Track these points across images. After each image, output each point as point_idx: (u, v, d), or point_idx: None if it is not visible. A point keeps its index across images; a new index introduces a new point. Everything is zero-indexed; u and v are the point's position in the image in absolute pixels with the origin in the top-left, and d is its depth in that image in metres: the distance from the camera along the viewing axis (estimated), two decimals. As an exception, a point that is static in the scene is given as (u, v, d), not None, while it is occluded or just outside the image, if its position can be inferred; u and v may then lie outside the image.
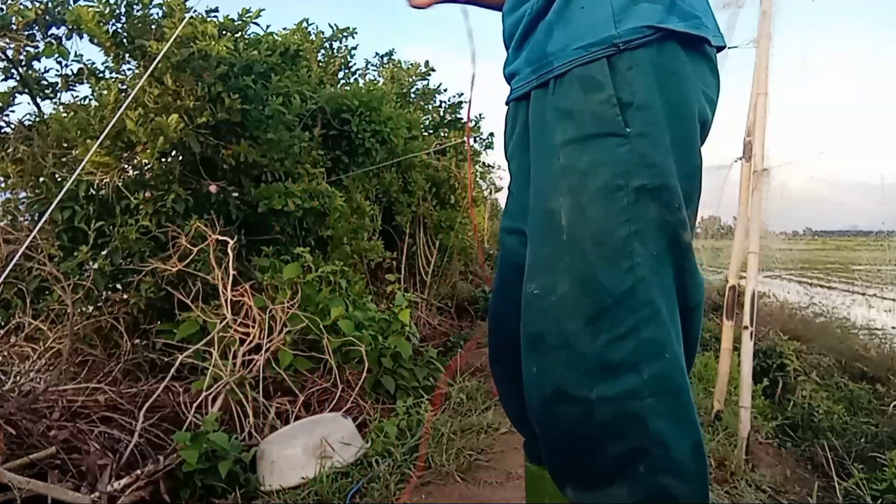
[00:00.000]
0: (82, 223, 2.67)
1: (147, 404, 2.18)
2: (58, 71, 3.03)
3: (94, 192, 2.75)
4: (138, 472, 1.87)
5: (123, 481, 1.83)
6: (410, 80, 6.01)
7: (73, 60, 3.00)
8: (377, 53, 6.25)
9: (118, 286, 2.80)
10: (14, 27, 2.82)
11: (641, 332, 0.80)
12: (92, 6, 2.76)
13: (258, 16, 3.24)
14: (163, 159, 2.96)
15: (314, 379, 2.68)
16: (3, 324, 2.70)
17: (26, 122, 2.98)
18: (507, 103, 1.10)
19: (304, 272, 2.88)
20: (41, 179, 2.81)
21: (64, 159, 2.80)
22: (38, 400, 2.10)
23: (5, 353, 2.57)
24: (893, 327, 5.83)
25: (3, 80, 2.93)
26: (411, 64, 6.08)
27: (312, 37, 5.12)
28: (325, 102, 4.06)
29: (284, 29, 4.82)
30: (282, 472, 2.04)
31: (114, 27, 2.85)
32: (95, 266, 2.65)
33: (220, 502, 1.96)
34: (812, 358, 4.27)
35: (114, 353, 2.71)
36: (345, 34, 5.25)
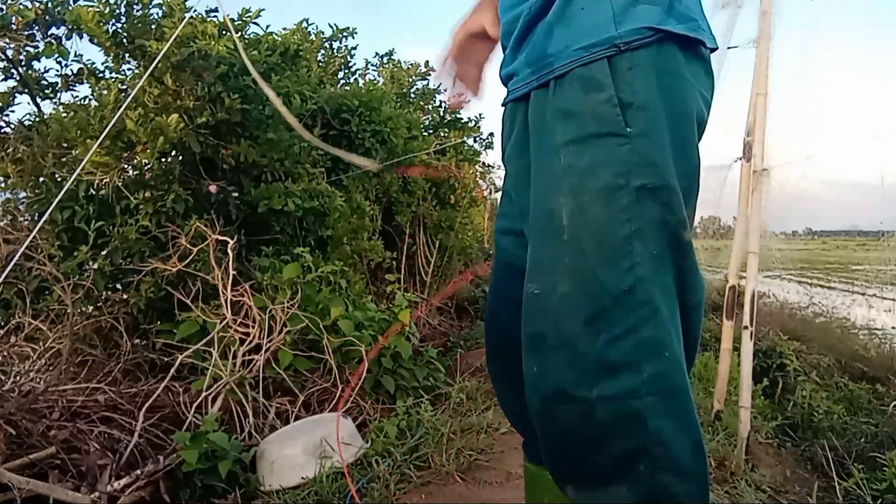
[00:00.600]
0: (82, 223, 2.67)
1: (147, 404, 2.18)
2: (58, 71, 3.03)
3: (94, 192, 2.75)
4: (138, 472, 1.87)
5: (123, 481, 1.83)
6: (410, 80, 6.01)
7: (73, 60, 3.00)
8: (377, 53, 6.25)
9: (118, 286, 2.80)
10: (14, 27, 2.82)
11: (641, 332, 0.80)
12: (92, 6, 2.76)
13: (258, 16, 3.24)
14: (163, 159, 2.96)
15: (314, 379, 2.68)
16: (3, 324, 2.70)
17: (26, 122, 2.98)
18: (504, 105, 1.10)
19: (304, 272, 2.88)
20: (41, 179, 2.81)
21: (64, 159, 2.79)
22: (38, 400, 2.10)
23: (5, 353, 2.56)
24: (893, 327, 5.83)
25: (3, 80, 2.93)
26: (411, 64, 6.08)
27: (312, 37, 5.12)
28: (325, 102, 4.06)
29: (284, 29, 4.82)
30: (282, 472, 2.04)
31: (114, 27, 2.85)
32: (95, 266, 2.65)
33: (220, 502, 1.95)
34: (812, 358, 4.27)
35: (114, 353, 2.71)
36: (345, 34, 5.25)
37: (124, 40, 2.87)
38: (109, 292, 2.77)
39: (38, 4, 2.85)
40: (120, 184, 2.70)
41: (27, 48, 2.90)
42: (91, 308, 2.72)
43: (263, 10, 3.25)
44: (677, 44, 0.85)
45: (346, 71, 5.51)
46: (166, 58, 2.63)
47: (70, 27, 2.92)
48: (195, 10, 2.96)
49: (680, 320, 0.87)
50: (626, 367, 0.80)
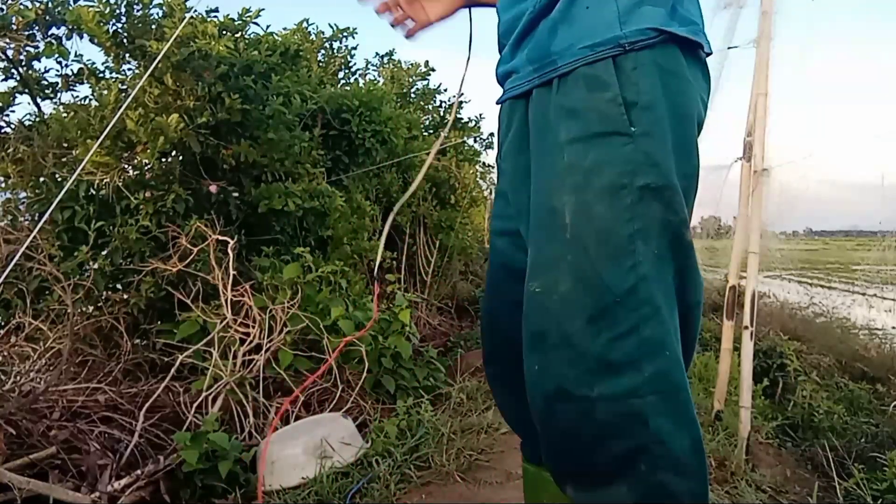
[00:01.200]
0: (82, 223, 2.67)
1: (147, 404, 2.18)
2: (58, 71, 3.03)
3: (94, 192, 2.75)
4: (138, 472, 1.87)
5: (123, 481, 1.83)
6: (410, 80, 6.01)
7: (73, 60, 3.00)
8: (377, 53, 6.26)
9: (118, 286, 2.80)
10: (14, 27, 2.82)
11: (642, 331, 0.80)
12: (92, 6, 2.76)
13: (258, 16, 3.25)
14: (163, 159, 2.96)
15: (314, 379, 2.67)
16: (3, 324, 2.70)
17: (26, 122, 2.98)
18: (500, 102, 1.09)
19: (305, 272, 2.88)
20: (41, 179, 2.81)
21: (64, 159, 2.80)
22: (38, 400, 2.10)
23: (5, 353, 2.56)
24: (893, 327, 5.84)
25: (3, 80, 2.93)
26: (411, 64, 6.09)
27: (312, 37, 5.12)
28: (326, 102, 4.06)
29: (284, 29, 4.83)
30: (282, 472, 2.04)
31: (114, 27, 2.85)
32: (95, 266, 2.65)
33: (220, 502, 1.96)
34: (812, 358, 4.28)
35: (114, 353, 2.71)
36: (345, 34, 5.25)
37: (124, 40, 2.87)
38: (109, 292, 2.77)
39: (38, 4, 2.85)
40: (120, 184, 2.70)
41: (27, 48, 2.90)
42: (91, 308, 2.72)
43: (263, 9, 3.26)
44: (679, 46, 0.86)
45: (347, 71, 5.51)
46: (166, 58, 2.63)
47: (70, 27, 2.91)
48: (195, 10, 2.96)
49: (679, 319, 0.87)
50: (628, 366, 0.80)
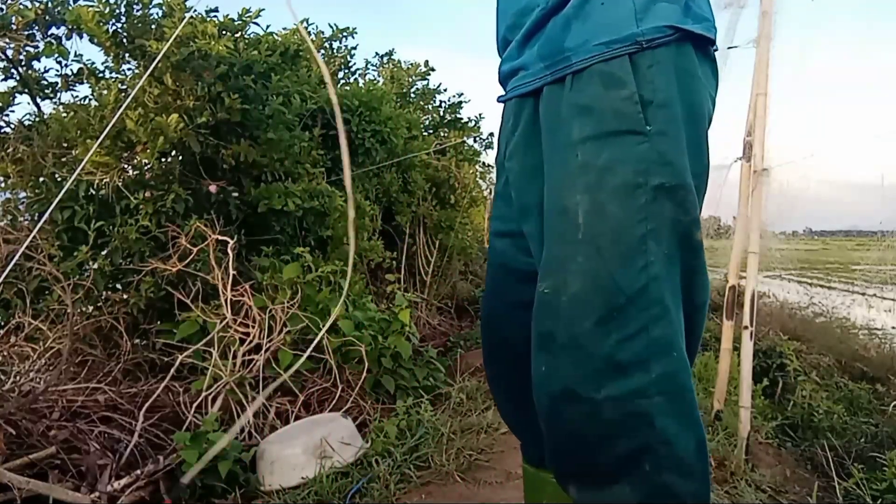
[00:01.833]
0: (82, 223, 2.67)
1: (147, 404, 2.18)
2: (58, 71, 3.03)
3: (94, 192, 2.75)
4: (138, 472, 1.87)
5: (123, 481, 1.83)
6: (410, 80, 6.00)
7: (73, 60, 3.00)
8: (377, 53, 6.25)
9: (118, 286, 2.80)
10: (14, 27, 2.82)
11: (651, 331, 0.80)
12: (92, 6, 2.76)
13: (258, 16, 3.24)
14: (163, 159, 2.96)
15: (314, 379, 2.67)
16: (3, 324, 2.70)
17: (26, 122, 2.98)
18: (504, 100, 1.07)
19: (304, 272, 2.88)
20: (41, 179, 2.81)
21: (64, 159, 2.79)
22: (38, 400, 2.10)
23: (5, 353, 2.56)
24: (893, 327, 5.83)
25: (3, 80, 2.93)
26: (411, 64, 6.08)
27: (312, 37, 5.12)
28: (325, 102, 4.06)
29: (284, 29, 4.81)
30: (282, 472, 2.04)
31: (114, 27, 2.85)
32: (95, 266, 2.65)
33: (220, 502, 1.96)
34: (812, 358, 4.27)
35: (114, 353, 2.71)
36: (345, 34, 5.25)
37: (124, 40, 2.87)
38: (109, 292, 2.77)
39: (38, 4, 2.85)
40: (120, 184, 2.70)
41: (27, 48, 2.90)
42: (91, 308, 2.72)
43: (263, 9, 3.26)
44: (692, 43, 0.85)
45: (346, 71, 5.51)
46: (166, 58, 2.63)
47: (70, 27, 2.92)
48: (195, 10, 2.96)
49: (684, 320, 0.87)
50: (636, 367, 0.80)
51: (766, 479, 2.25)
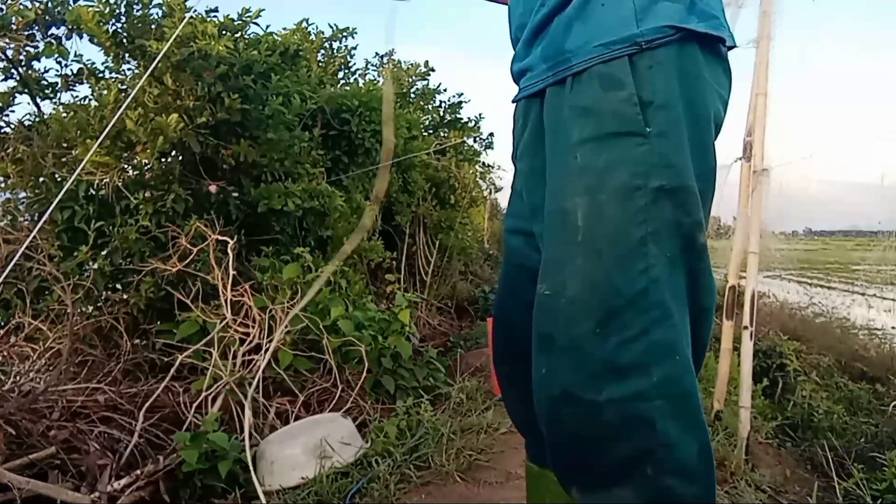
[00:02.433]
0: (82, 223, 2.67)
1: (147, 404, 2.18)
2: (58, 71, 3.04)
3: (94, 192, 2.75)
4: (138, 472, 1.87)
5: (123, 481, 1.83)
6: (410, 80, 6.01)
7: (73, 60, 3.01)
8: (377, 53, 6.25)
9: (118, 286, 2.80)
10: (14, 27, 2.82)
11: (652, 334, 0.79)
12: (92, 6, 2.76)
13: (258, 16, 3.24)
14: (163, 159, 2.96)
15: (314, 379, 2.67)
16: (3, 324, 2.70)
17: (26, 122, 2.98)
18: (515, 101, 1.08)
19: (304, 272, 2.87)
20: (41, 179, 2.81)
21: (64, 159, 2.79)
22: (38, 400, 2.10)
23: (5, 353, 2.56)
24: (893, 327, 5.83)
25: (3, 80, 2.93)
26: (411, 64, 6.09)
27: (312, 37, 5.12)
28: (325, 102, 4.06)
29: (284, 29, 4.83)
30: (282, 472, 2.04)
31: (114, 27, 2.85)
32: (95, 266, 2.65)
33: (220, 502, 1.95)
34: (812, 358, 4.27)
35: (114, 353, 2.71)
36: (345, 34, 5.25)
37: (124, 40, 2.87)
38: (109, 292, 2.77)
39: (38, 4, 2.85)
40: (120, 184, 2.70)
41: (27, 48, 2.90)
42: (91, 308, 2.72)
43: (263, 10, 3.26)
44: (698, 43, 0.83)
45: (346, 71, 5.51)
46: (166, 58, 2.63)
47: (70, 27, 2.92)
48: (195, 10, 2.96)
49: (690, 323, 0.85)
50: (636, 370, 0.79)
51: (766, 479, 2.25)
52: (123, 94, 2.81)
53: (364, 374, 2.62)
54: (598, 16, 0.85)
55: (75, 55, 2.99)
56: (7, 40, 2.82)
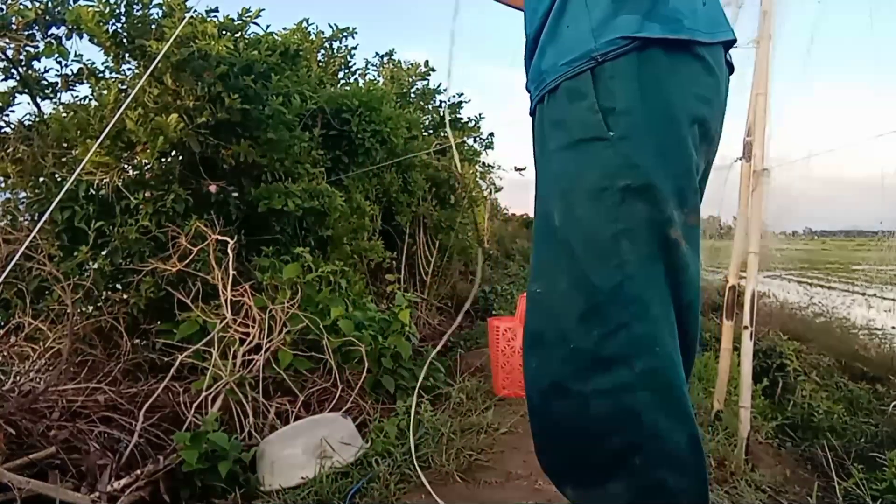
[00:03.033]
0: (82, 223, 2.66)
1: (147, 404, 2.18)
2: (58, 71, 3.03)
3: (94, 192, 2.75)
4: (138, 472, 1.87)
5: (123, 481, 1.83)
6: (410, 80, 6.01)
7: (73, 60, 3.00)
8: (377, 53, 6.25)
9: (118, 286, 2.80)
10: (14, 27, 2.82)
11: (632, 328, 0.82)
12: (92, 6, 2.76)
13: (258, 16, 3.24)
14: (163, 159, 2.96)
15: (314, 379, 2.67)
16: (3, 324, 2.70)
17: (26, 122, 2.98)
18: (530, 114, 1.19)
19: (304, 272, 2.87)
20: (41, 179, 2.81)
21: (64, 159, 2.80)
22: (38, 400, 2.10)
23: (5, 353, 2.56)
24: (893, 327, 5.83)
25: (3, 80, 2.93)
26: (411, 64, 6.09)
27: (312, 37, 5.12)
28: (325, 102, 4.06)
29: (284, 29, 4.82)
30: (282, 472, 2.04)
31: (114, 27, 2.85)
32: (95, 266, 2.65)
33: (220, 502, 1.95)
34: (812, 358, 4.27)
35: (114, 353, 2.71)
36: (345, 34, 5.25)
37: (124, 40, 2.87)
38: (109, 292, 2.77)
39: (38, 4, 2.85)
40: (120, 184, 2.70)
41: (27, 48, 2.90)
42: (91, 308, 2.72)
43: (263, 10, 3.25)
44: (664, 47, 0.86)
45: (346, 71, 5.51)
46: (166, 58, 2.63)
47: (70, 27, 2.92)
48: (195, 10, 2.96)
49: (675, 318, 0.87)
50: (619, 362, 0.82)
51: (766, 479, 2.25)
52: (123, 94, 2.81)
53: (364, 374, 2.62)
54: (564, 37, 0.92)
55: (75, 55, 2.99)
56: (7, 40, 2.82)
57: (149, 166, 2.84)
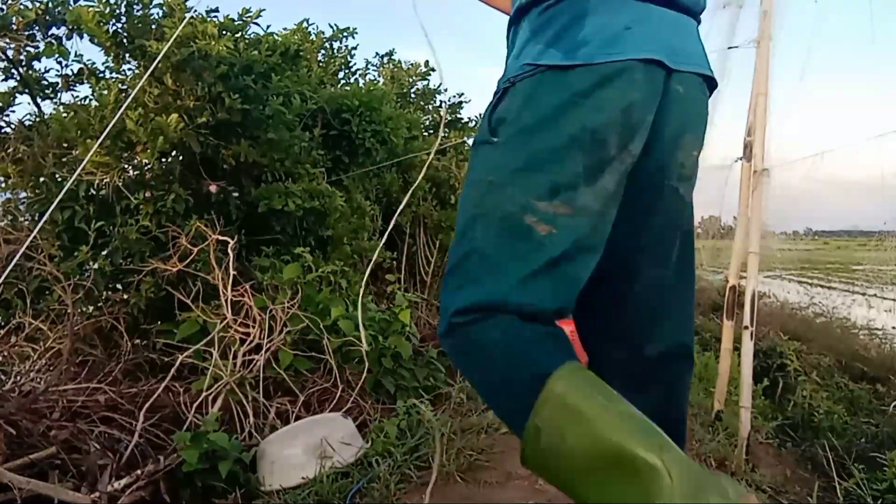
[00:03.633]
0: (82, 223, 2.66)
1: (147, 404, 2.18)
2: (58, 71, 3.04)
3: (94, 192, 2.75)
4: (138, 472, 1.87)
5: (123, 481, 1.83)
6: (410, 80, 6.01)
7: (73, 60, 3.01)
8: (377, 53, 6.25)
9: (118, 286, 2.80)
10: (14, 27, 2.82)
11: (467, 289, 1.01)
12: (92, 6, 2.76)
13: (258, 16, 3.24)
14: (163, 159, 2.96)
15: (314, 379, 2.67)
16: (3, 324, 2.70)
17: (26, 122, 2.98)
18: None
19: (305, 272, 2.87)
20: (41, 179, 2.81)
21: (64, 159, 2.80)
22: (38, 400, 2.10)
23: (5, 353, 2.56)
24: (893, 327, 5.82)
25: (3, 80, 2.93)
26: (411, 64, 6.08)
27: (312, 37, 5.12)
28: (325, 102, 4.06)
29: (284, 29, 4.81)
30: (282, 472, 2.04)
31: (114, 27, 2.85)
32: (95, 266, 2.65)
33: (220, 502, 1.96)
34: (812, 358, 4.27)
35: (114, 353, 2.71)
36: (345, 34, 5.25)
37: (124, 40, 2.87)
38: (109, 292, 2.77)
39: (38, 4, 2.86)
40: (120, 184, 2.70)
41: (27, 48, 2.90)
42: (91, 308, 2.72)
43: (264, 10, 3.25)
44: (560, 70, 1.02)
45: (347, 71, 5.51)
46: (166, 58, 2.63)
47: (70, 27, 2.92)
48: (195, 10, 2.96)
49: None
50: (472, 311, 1.00)
51: (766, 479, 2.25)
52: (123, 94, 2.81)
53: (364, 374, 2.62)
54: (506, 64, 1.15)
55: (75, 55, 2.99)
56: (7, 40, 2.82)
57: (149, 166, 2.84)
